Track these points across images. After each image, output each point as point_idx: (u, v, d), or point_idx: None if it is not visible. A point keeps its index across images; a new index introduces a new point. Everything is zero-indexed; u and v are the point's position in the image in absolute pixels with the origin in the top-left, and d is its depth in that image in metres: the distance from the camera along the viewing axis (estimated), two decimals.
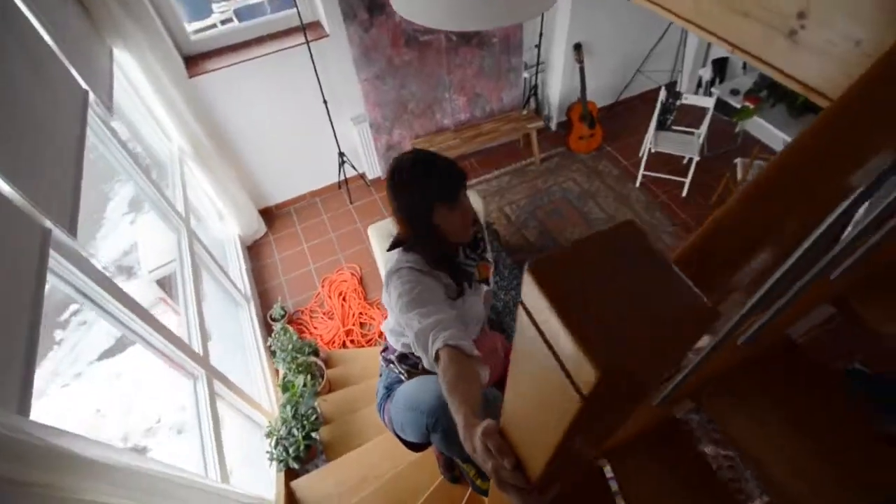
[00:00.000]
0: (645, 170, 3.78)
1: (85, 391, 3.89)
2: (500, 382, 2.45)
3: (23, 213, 1.22)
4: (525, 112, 3.96)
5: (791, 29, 1.25)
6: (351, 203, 3.97)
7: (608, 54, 3.95)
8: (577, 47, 3.73)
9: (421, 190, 1.12)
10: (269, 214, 3.94)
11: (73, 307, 5.03)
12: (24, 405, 0.95)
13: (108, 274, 1.57)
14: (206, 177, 3.18)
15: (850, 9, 1.08)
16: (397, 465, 1.82)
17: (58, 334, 4.72)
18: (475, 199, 3.04)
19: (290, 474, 1.99)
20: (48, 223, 1.31)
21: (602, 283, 0.33)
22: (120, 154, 2.19)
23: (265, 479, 1.99)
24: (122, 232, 5.12)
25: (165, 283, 3.08)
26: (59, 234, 1.35)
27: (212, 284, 2.97)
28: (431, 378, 1.28)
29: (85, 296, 1.50)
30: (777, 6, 1.25)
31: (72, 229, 1.41)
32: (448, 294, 1.25)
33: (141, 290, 4.15)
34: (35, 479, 0.86)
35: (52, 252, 1.32)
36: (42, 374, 4.37)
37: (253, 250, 3.75)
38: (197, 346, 2.09)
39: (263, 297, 3.46)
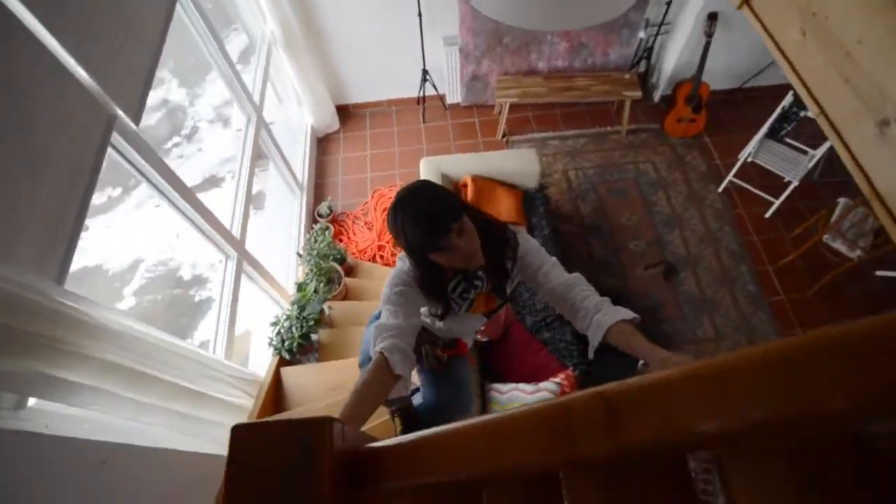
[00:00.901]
0: (735, 176, 3.43)
1: (169, 215, 4.52)
2: (498, 342, 2.60)
3: (93, 99, 1.40)
4: (628, 76, 3.61)
5: (884, 119, 1.11)
6: (423, 122, 3.98)
7: (745, 33, 3.40)
8: (713, 17, 3.24)
9: (404, 236, 1.11)
10: (345, 112, 4.05)
11: (175, 139, 5.66)
12: (61, 276, 1.21)
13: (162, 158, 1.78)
14: (291, 63, 3.29)
15: None
16: None
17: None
18: (532, 161, 2.96)
19: (286, 362, 2.33)
20: (116, 110, 1.50)
21: None
22: (207, 39, 2.33)
23: (267, 360, 2.34)
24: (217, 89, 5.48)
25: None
26: (124, 119, 1.55)
27: (273, 169, 3.23)
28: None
29: (141, 174, 1.73)
30: (885, 89, 1.10)
31: (136, 118, 1.61)
32: (431, 312, 1.32)
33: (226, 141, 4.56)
34: (60, 337, 1.12)
35: (115, 135, 1.53)
36: (141, 192, 5.08)
37: (322, 143, 3.94)
38: (236, 230, 2.36)
39: (318, 190, 3.70)
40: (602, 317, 1.10)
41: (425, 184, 1.16)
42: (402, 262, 1.26)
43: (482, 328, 2.30)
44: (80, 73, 1.35)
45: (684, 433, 0.32)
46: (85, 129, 1.36)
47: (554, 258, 1.29)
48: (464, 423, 0.38)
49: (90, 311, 1.22)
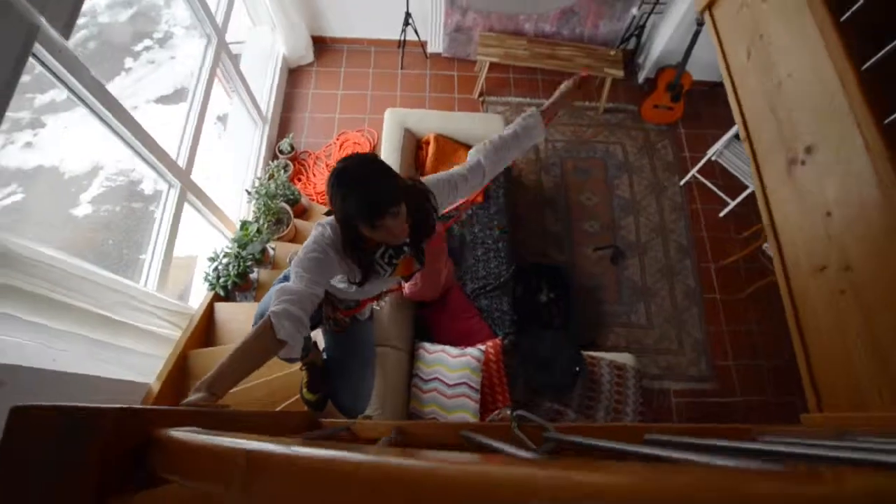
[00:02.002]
0: (699, 171, 3.48)
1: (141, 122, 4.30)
2: (435, 304, 2.66)
3: (9, 4, 1.30)
4: (613, 52, 3.52)
5: (793, 157, 1.15)
6: (402, 68, 3.83)
7: None
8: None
9: (341, 206, 1.11)
10: (322, 44, 3.86)
11: (146, 42, 5.31)
12: None
13: (96, 78, 1.69)
14: None
15: (847, 170, 1.00)
16: None
17: (128, 62, 5.07)
18: (499, 128, 2.92)
19: (222, 298, 2.35)
20: (40, 19, 1.40)
21: None
22: None
23: (203, 293, 2.36)
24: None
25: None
26: (50, 31, 1.45)
27: (235, 98, 3.10)
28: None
29: (73, 92, 1.65)
30: (801, 124, 1.13)
31: (66, 30, 1.51)
32: (350, 278, 1.34)
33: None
34: None
35: (41, 49, 1.44)
36: None
37: (294, 74, 3.77)
38: (183, 159, 2.30)
39: (284, 123, 3.58)
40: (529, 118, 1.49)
41: (373, 161, 1.16)
42: (322, 227, 1.26)
43: (406, 289, 2.37)
44: None
45: None
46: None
47: (454, 172, 1.40)
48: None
49: None
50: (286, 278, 1.37)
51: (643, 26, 3.57)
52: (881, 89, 0.97)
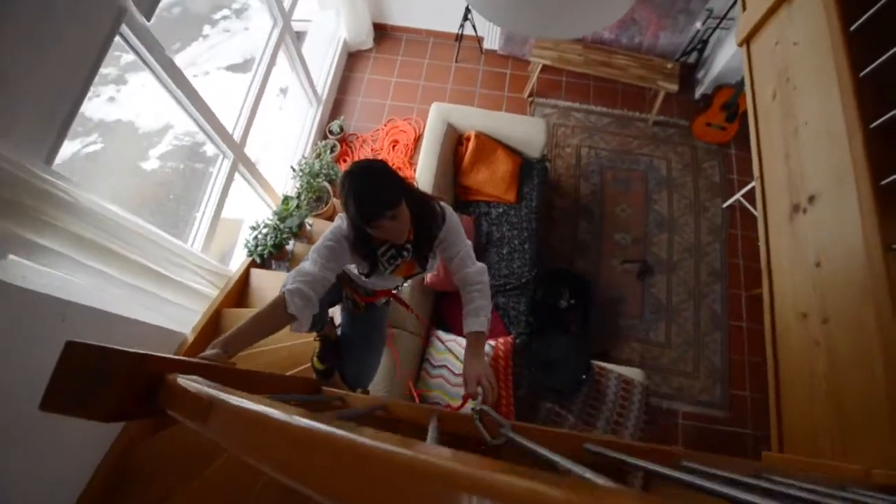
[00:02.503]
0: (744, 196, 3.38)
1: (207, 88, 4.61)
2: (453, 295, 2.77)
3: None
4: (671, 65, 3.45)
5: (797, 203, 1.19)
6: (456, 61, 3.91)
7: None
8: None
9: (346, 206, 1.22)
10: (382, 31, 3.99)
11: (224, 11, 5.61)
12: (51, 156, 1.38)
13: (170, 56, 1.89)
14: None
15: (841, 225, 1.04)
16: None
17: (206, 29, 5.40)
18: (539, 132, 2.96)
19: (259, 264, 2.55)
20: (128, 3, 1.59)
21: None
22: None
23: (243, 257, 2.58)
24: None
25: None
26: (136, 14, 1.64)
27: (294, 78, 3.28)
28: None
29: (149, 68, 1.85)
30: (809, 172, 1.16)
31: (148, 13, 1.70)
32: (359, 269, 1.48)
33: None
34: (38, 208, 1.32)
35: (126, 30, 1.63)
36: (182, 58, 5.16)
37: (352, 59, 3.93)
38: (238, 133, 2.49)
39: (337, 105, 3.75)
40: (468, 322, 1.38)
41: (377, 168, 1.25)
42: (340, 220, 1.39)
43: (428, 278, 2.51)
44: None
45: None
46: (90, 20, 1.47)
47: (469, 244, 1.47)
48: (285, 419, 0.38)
49: (70, 189, 1.41)
50: None
51: (706, 41, 3.47)
52: (885, 150, 0.98)
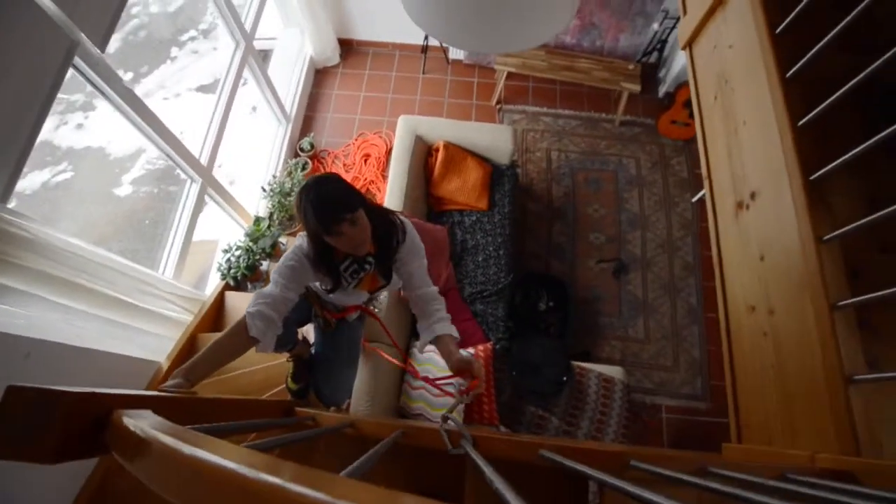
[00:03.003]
0: None
1: (178, 111, 4.53)
2: None
3: (55, 25, 1.48)
4: (632, 66, 3.53)
5: (741, 200, 1.23)
6: (423, 73, 3.95)
7: None
8: None
9: (304, 218, 1.24)
10: (348, 46, 4.01)
11: (192, 33, 5.57)
12: (6, 195, 1.37)
13: (128, 86, 1.88)
14: None
15: (779, 219, 1.08)
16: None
17: (173, 51, 5.35)
18: (506, 140, 3.01)
19: (232, 288, 2.54)
20: (80, 35, 1.59)
21: None
22: None
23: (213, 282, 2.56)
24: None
25: None
26: (89, 45, 1.64)
27: (261, 98, 3.28)
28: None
29: (108, 100, 1.84)
30: (749, 170, 1.21)
31: (102, 43, 1.70)
32: (323, 286, 1.49)
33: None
34: (5, 253, 1.30)
35: (80, 62, 1.63)
36: (151, 81, 5.11)
37: (320, 75, 3.95)
38: (205, 156, 2.49)
39: (307, 122, 3.76)
40: (438, 326, 1.33)
41: (332, 177, 1.29)
42: (301, 239, 1.40)
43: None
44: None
45: None
46: (41, 55, 1.47)
47: (424, 263, 1.48)
48: None
49: (29, 226, 1.40)
50: None
51: (665, 41, 3.56)
52: (814, 146, 1.03)
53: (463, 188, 2.98)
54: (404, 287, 1.49)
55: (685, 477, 0.69)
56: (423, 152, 3.03)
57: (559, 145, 3.75)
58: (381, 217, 1.39)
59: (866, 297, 0.83)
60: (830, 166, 0.94)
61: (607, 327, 3.27)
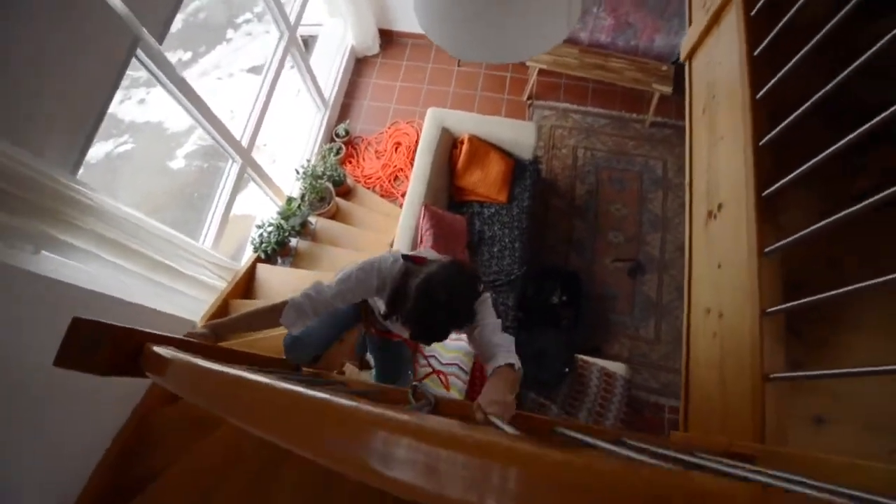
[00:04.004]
0: None
1: (230, 90, 4.83)
2: None
3: (121, 20, 1.71)
4: (665, 67, 3.52)
5: (711, 210, 1.34)
6: (458, 66, 4.06)
7: None
8: None
9: (406, 305, 1.16)
10: (388, 37, 4.17)
11: (247, 15, 5.88)
12: (76, 167, 1.62)
13: (180, 75, 2.12)
14: None
15: (737, 231, 1.19)
16: None
17: (229, 33, 5.68)
18: (529, 135, 3.10)
19: (264, 259, 2.79)
20: (142, 31, 1.82)
21: None
22: None
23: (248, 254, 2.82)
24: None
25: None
26: (149, 39, 1.87)
27: (301, 85, 3.50)
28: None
29: (163, 86, 2.08)
30: (721, 182, 1.32)
31: (161, 37, 1.93)
32: (375, 309, 1.55)
33: None
34: (65, 211, 1.56)
35: (141, 54, 1.86)
36: (207, 61, 5.46)
37: (360, 64, 4.13)
38: (246, 139, 2.72)
39: (344, 109, 3.97)
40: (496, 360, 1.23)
41: (466, 284, 1.20)
42: (389, 262, 1.33)
43: None
44: None
45: None
46: (109, 49, 1.70)
47: (489, 323, 1.33)
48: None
49: (93, 195, 1.65)
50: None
51: None
52: (772, 164, 1.12)
53: (484, 180, 3.10)
54: (473, 342, 1.35)
55: (599, 443, 0.83)
56: (449, 144, 3.17)
57: (586, 143, 3.80)
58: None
59: (794, 303, 0.93)
60: (778, 184, 1.03)
61: (618, 325, 3.34)
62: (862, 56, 0.88)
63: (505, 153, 3.18)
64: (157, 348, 0.77)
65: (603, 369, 2.82)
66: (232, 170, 2.66)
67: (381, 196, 3.60)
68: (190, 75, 5.61)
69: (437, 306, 1.12)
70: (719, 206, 1.25)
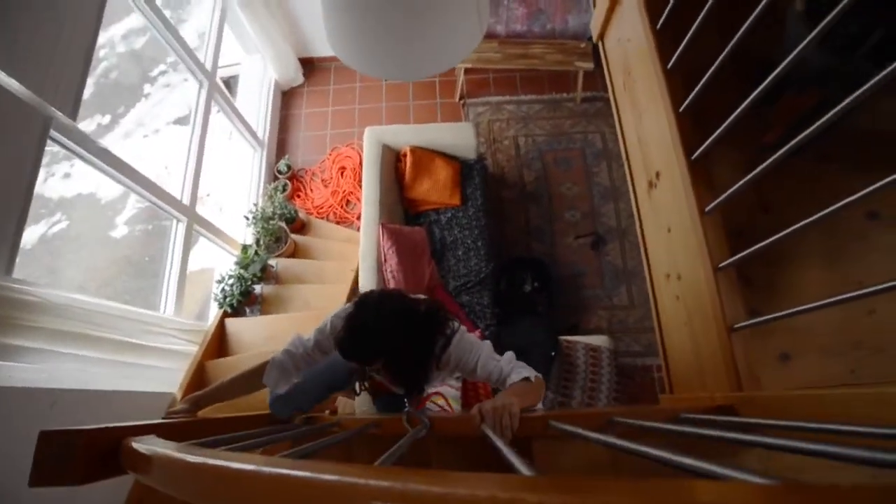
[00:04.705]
0: None
1: (159, 146, 4.66)
2: None
3: (28, 106, 1.64)
4: (584, 45, 3.64)
5: (650, 180, 1.39)
6: (385, 80, 4.07)
7: None
8: None
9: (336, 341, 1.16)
10: (310, 65, 4.14)
11: (161, 67, 5.68)
12: (10, 265, 1.54)
13: (103, 145, 2.04)
14: (248, 20, 3.36)
15: (676, 195, 1.23)
16: None
17: (146, 88, 5.48)
18: (468, 135, 3.15)
19: (230, 314, 2.72)
20: (52, 111, 1.74)
21: None
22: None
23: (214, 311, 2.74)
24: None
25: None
26: (61, 117, 1.79)
27: (232, 128, 3.43)
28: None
29: (84, 160, 2.00)
30: (653, 153, 1.37)
31: (73, 113, 1.85)
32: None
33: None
34: (10, 315, 1.47)
35: (56, 133, 1.79)
36: (129, 121, 5.25)
37: (287, 96, 4.08)
38: (186, 196, 2.65)
39: (281, 144, 3.91)
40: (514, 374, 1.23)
41: (380, 309, 1.13)
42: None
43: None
44: (13, 84, 1.58)
45: None
46: (20, 138, 1.63)
47: (482, 353, 1.30)
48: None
49: (34, 291, 1.57)
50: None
51: None
52: (694, 129, 1.18)
53: (434, 187, 3.12)
54: (479, 380, 1.35)
55: (591, 434, 0.86)
56: (393, 159, 3.18)
57: (525, 131, 3.88)
58: (419, 354, 1.19)
59: (739, 255, 0.99)
60: (703, 146, 1.09)
61: (592, 299, 3.43)
62: (753, 13, 0.94)
63: (449, 157, 3.21)
64: (135, 444, 0.74)
65: (587, 345, 2.89)
66: (178, 229, 2.58)
67: (337, 223, 3.57)
68: (113, 138, 5.37)
69: (361, 321, 1.10)
70: (657, 175, 1.30)
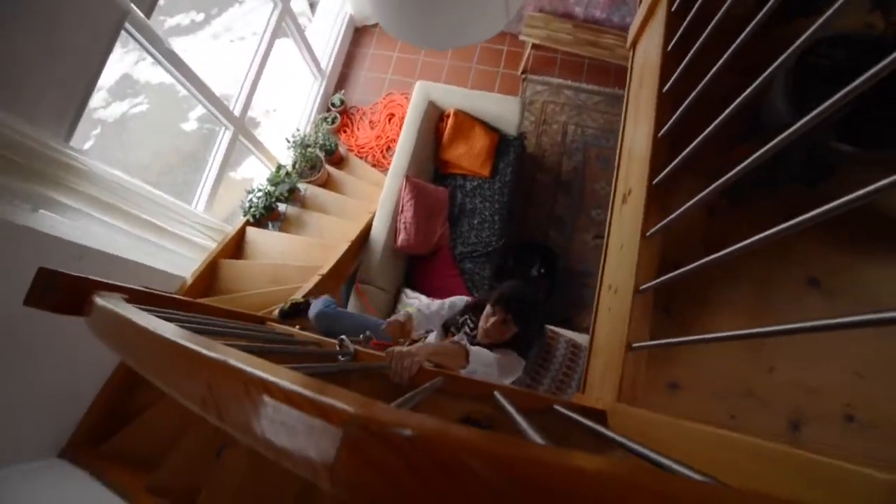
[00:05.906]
0: None
1: (242, 54, 4.96)
2: (425, 257, 3.09)
3: None
4: None
5: (625, 194, 1.46)
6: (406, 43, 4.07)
7: None
8: None
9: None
10: None
11: None
12: (69, 134, 1.79)
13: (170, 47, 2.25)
14: None
15: (634, 214, 1.30)
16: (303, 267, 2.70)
17: None
18: (514, 111, 3.17)
19: (253, 224, 2.97)
20: (130, 6, 1.95)
21: None
22: None
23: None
24: None
25: None
26: (136, 13, 2.00)
27: (298, 55, 3.59)
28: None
29: (152, 57, 2.22)
30: (632, 168, 1.43)
31: (148, 12, 2.05)
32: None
33: None
34: (59, 175, 1.74)
35: (129, 27, 2.00)
36: (219, 24, 5.53)
37: (359, 34, 4.18)
38: (238, 108, 2.86)
39: (342, 78, 4.05)
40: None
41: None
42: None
43: (399, 242, 2.84)
44: None
45: None
46: (99, 22, 1.84)
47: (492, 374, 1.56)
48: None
49: (84, 160, 1.83)
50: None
51: None
52: (667, 156, 1.22)
53: (468, 154, 3.20)
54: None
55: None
56: (436, 117, 3.26)
57: (577, 119, 3.83)
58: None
59: (655, 281, 1.06)
60: (663, 173, 1.14)
61: (591, 299, 3.44)
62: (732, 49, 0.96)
63: (490, 128, 3.26)
64: (97, 295, 0.94)
65: (571, 341, 2.97)
66: (224, 136, 2.81)
67: (373, 166, 3.72)
68: (201, 37, 5.67)
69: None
70: (629, 191, 1.36)
